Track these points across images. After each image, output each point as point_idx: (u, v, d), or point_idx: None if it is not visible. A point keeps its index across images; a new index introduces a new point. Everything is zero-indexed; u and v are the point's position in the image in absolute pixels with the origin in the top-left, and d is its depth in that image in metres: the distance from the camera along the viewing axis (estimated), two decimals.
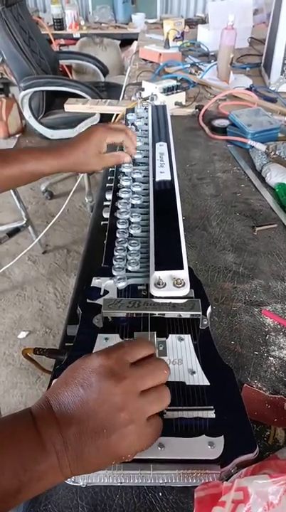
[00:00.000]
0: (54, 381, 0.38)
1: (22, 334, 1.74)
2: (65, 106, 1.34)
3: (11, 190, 1.86)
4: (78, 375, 0.35)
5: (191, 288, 0.52)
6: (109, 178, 0.78)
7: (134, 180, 0.73)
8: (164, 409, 0.40)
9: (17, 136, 3.25)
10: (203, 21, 2.40)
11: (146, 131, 0.88)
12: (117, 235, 0.62)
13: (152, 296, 0.52)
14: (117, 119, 1.17)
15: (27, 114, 2.11)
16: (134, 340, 0.40)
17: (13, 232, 2.00)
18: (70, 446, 0.32)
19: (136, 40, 2.31)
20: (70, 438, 0.33)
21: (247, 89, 1.35)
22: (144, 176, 0.74)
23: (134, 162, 0.78)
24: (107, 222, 0.66)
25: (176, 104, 1.24)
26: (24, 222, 2.01)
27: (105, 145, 0.70)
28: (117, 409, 0.34)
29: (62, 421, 0.33)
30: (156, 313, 0.50)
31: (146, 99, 1.02)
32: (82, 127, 2.10)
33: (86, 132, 0.71)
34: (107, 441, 0.33)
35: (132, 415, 0.34)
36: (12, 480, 0.30)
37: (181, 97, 1.24)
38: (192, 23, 2.42)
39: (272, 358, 0.53)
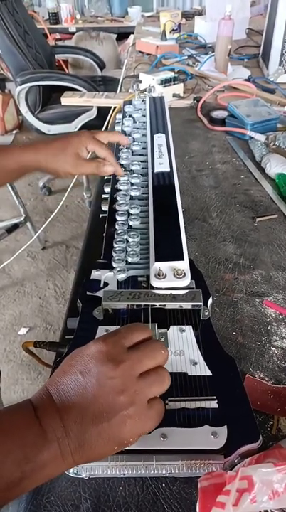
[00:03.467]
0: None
1: (22, 330, 1.74)
2: (62, 99, 1.33)
3: (9, 186, 1.85)
4: (76, 363, 0.35)
5: (191, 279, 0.52)
6: None
7: (132, 172, 0.72)
8: (166, 400, 0.40)
9: (14, 132, 3.23)
10: (200, 13, 2.38)
11: (144, 122, 0.87)
12: (117, 226, 0.61)
13: (153, 288, 0.51)
14: (114, 112, 1.16)
15: (23, 109, 2.10)
16: (130, 325, 0.40)
17: (11, 229, 1.99)
18: (72, 432, 0.32)
19: (133, 33, 2.29)
20: (70, 425, 0.32)
21: (246, 80, 1.34)
22: (142, 168, 0.73)
23: (132, 153, 0.77)
24: (105, 214, 0.66)
25: (174, 95, 1.23)
26: (23, 218, 2.00)
27: (85, 151, 0.65)
28: (116, 393, 0.34)
29: (62, 408, 0.33)
30: (157, 304, 0.49)
31: (143, 91, 1.01)
32: (79, 122, 2.09)
33: (69, 133, 0.68)
34: (108, 425, 0.33)
35: (132, 398, 0.34)
36: (14, 470, 0.30)
37: (178, 88, 1.23)
38: (189, 16, 2.40)
39: (274, 348, 0.53)
